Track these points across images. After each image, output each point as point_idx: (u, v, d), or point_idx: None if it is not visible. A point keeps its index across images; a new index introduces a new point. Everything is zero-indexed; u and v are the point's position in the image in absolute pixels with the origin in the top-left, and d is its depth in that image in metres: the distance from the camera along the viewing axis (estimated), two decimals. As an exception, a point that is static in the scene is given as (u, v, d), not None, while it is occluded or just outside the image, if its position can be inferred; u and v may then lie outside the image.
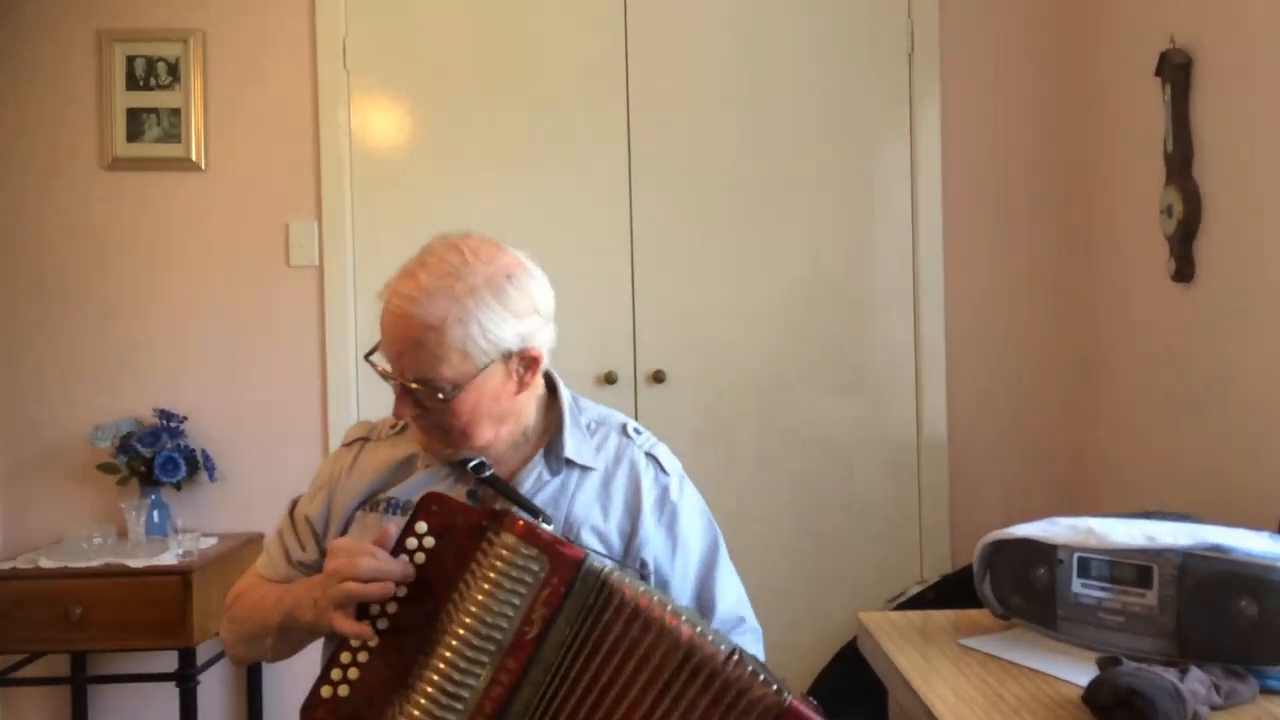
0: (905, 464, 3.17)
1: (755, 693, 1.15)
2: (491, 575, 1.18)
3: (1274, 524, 1.63)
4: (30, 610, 2.65)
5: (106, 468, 2.96)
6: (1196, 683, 1.18)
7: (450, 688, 1.16)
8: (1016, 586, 1.50)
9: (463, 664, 1.16)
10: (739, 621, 1.47)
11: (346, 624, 1.21)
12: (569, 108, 3.13)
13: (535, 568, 1.18)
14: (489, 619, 1.17)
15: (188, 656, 2.70)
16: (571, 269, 3.17)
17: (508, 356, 1.33)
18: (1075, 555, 1.42)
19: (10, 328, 3.09)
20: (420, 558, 1.24)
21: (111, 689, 3.09)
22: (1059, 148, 3.10)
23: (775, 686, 1.16)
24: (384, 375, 1.34)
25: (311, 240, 3.10)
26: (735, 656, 1.18)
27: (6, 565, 2.74)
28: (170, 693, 2.78)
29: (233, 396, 3.11)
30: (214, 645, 2.90)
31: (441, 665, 1.17)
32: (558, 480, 1.42)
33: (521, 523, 1.21)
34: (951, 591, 2.63)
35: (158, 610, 2.65)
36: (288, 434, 3.09)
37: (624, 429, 1.49)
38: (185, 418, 3.02)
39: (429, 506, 1.25)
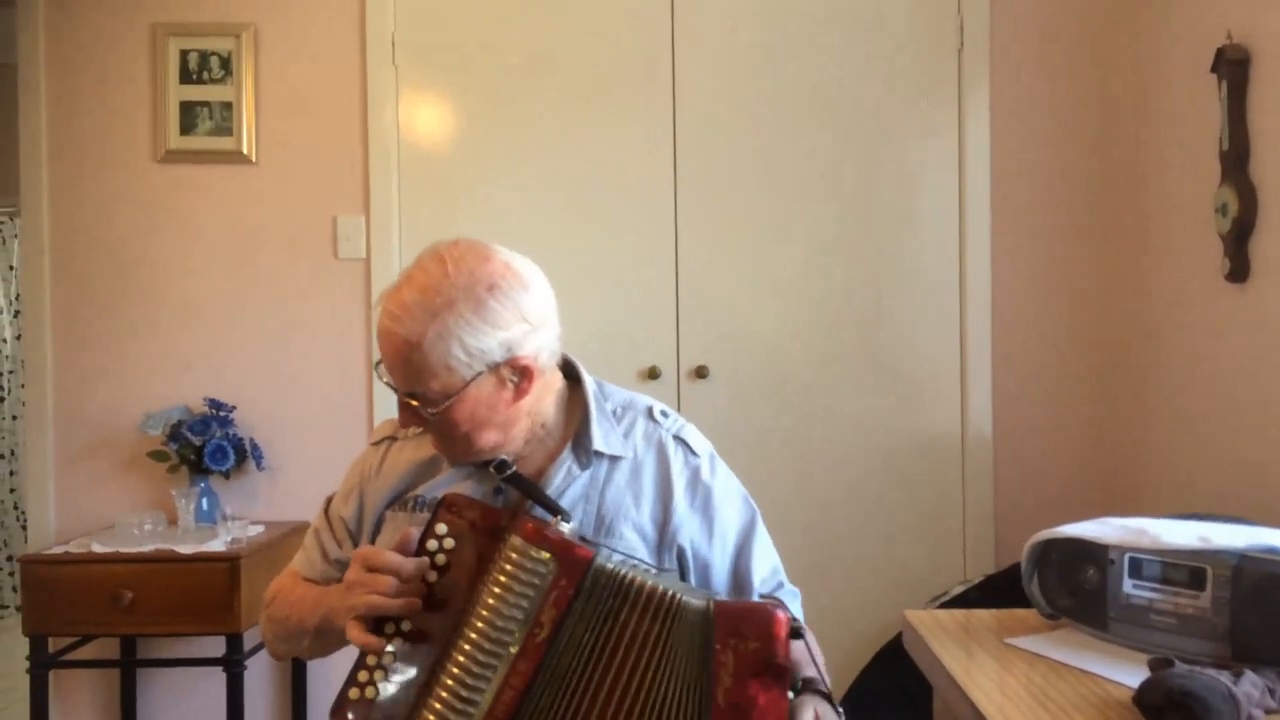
0: (949, 462, 3.15)
1: (684, 611, 1.17)
2: (501, 579, 1.19)
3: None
4: (82, 594, 2.70)
5: (157, 455, 3.01)
6: (1251, 686, 1.16)
7: (464, 693, 1.17)
8: (1066, 586, 1.48)
9: (475, 669, 1.17)
10: (777, 586, 1.47)
11: (360, 635, 1.23)
12: (615, 104, 3.14)
13: (544, 570, 1.19)
14: (499, 623, 1.18)
15: (235, 642, 2.74)
16: (616, 264, 3.19)
17: (495, 367, 1.32)
18: (1127, 555, 1.41)
19: (66, 317, 3.15)
20: (441, 559, 1.25)
21: (160, 673, 3.14)
22: (1110, 144, 3.06)
23: (695, 600, 1.17)
24: (390, 387, 1.35)
25: (359, 234, 3.13)
26: (659, 585, 1.19)
27: (59, 550, 2.80)
28: (218, 677, 2.82)
29: (280, 387, 3.15)
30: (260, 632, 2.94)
31: (455, 670, 1.18)
32: (588, 473, 1.42)
33: (531, 525, 1.21)
34: (995, 591, 2.61)
35: (206, 596, 2.69)
36: (334, 425, 3.13)
37: (650, 413, 1.48)
38: (234, 407, 3.06)
39: (448, 508, 1.26)
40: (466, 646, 1.18)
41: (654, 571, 1.27)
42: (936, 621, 1.61)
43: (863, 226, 3.14)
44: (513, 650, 1.17)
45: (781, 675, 1.13)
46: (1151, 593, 1.38)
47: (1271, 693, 1.18)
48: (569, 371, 1.48)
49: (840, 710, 1.21)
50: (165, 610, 2.70)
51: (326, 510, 1.53)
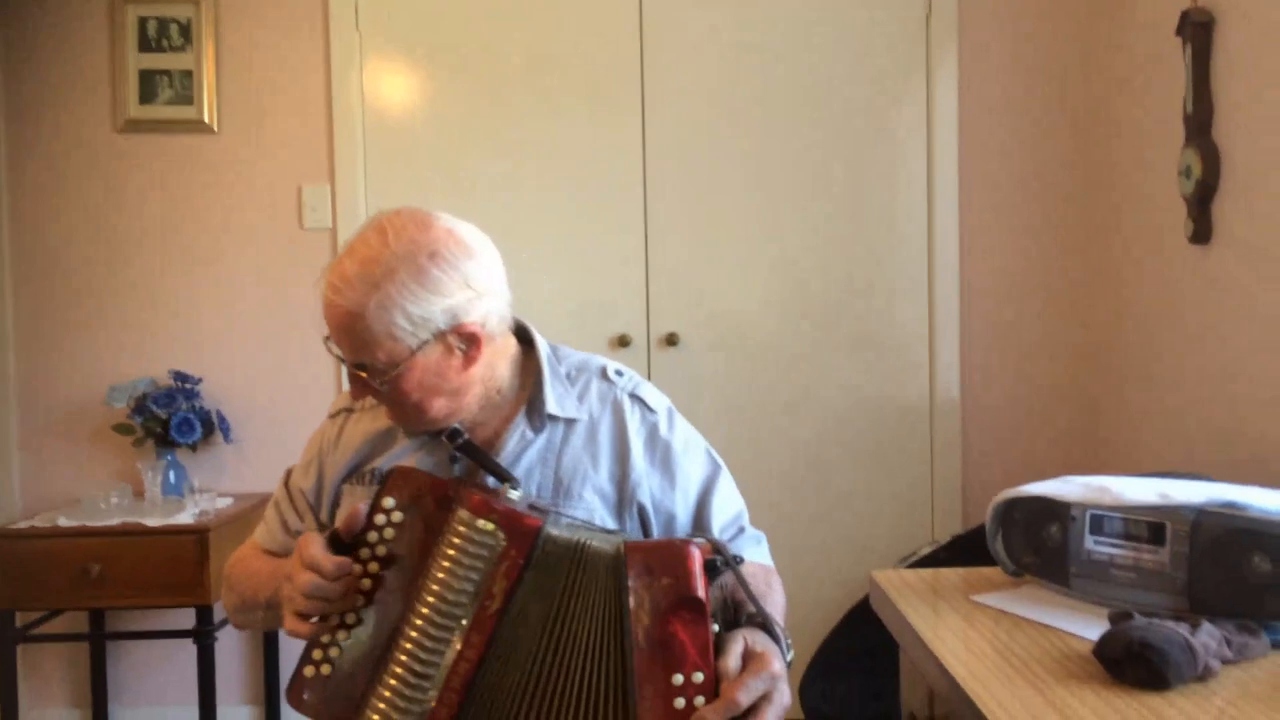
0: (918, 426, 3.17)
1: (592, 554, 1.17)
2: (450, 552, 1.18)
3: (1288, 483, 1.62)
4: (49, 568, 2.69)
5: (122, 429, 2.98)
6: (1208, 636, 1.18)
7: (419, 667, 1.17)
8: (1029, 544, 1.50)
9: (429, 643, 1.17)
10: (738, 531, 1.47)
11: (298, 626, 1.22)
12: (582, 70, 3.12)
13: (492, 541, 1.18)
14: (450, 596, 1.17)
15: (205, 614, 2.73)
16: (585, 233, 3.18)
17: (440, 335, 1.31)
18: (1089, 512, 1.42)
19: (27, 290, 3.11)
20: (390, 533, 1.23)
21: (130, 645, 3.13)
22: (1077, 109, 3.08)
23: (606, 540, 1.17)
24: (339, 358, 1.34)
25: (324, 203, 3.10)
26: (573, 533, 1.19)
27: (25, 524, 2.77)
28: (188, 649, 2.81)
29: (247, 359, 3.12)
30: (231, 604, 2.93)
31: (409, 645, 1.17)
32: (543, 437, 1.41)
33: (477, 497, 1.20)
34: (963, 551, 2.63)
35: (175, 569, 2.68)
36: (302, 396, 3.11)
37: (604, 372, 1.47)
38: (200, 379, 3.04)
39: (396, 481, 1.25)
40: (419, 621, 1.18)
41: (602, 531, 1.27)
42: (903, 580, 1.63)
43: (831, 194, 3.14)
44: (465, 623, 1.17)
45: (699, 609, 1.12)
46: (1112, 548, 1.39)
47: (1228, 643, 1.20)
48: (523, 336, 1.47)
49: (782, 634, 1.20)
50: (134, 583, 2.69)
51: (287, 482, 1.52)
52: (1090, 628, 1.29)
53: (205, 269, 3.12)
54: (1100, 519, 1.41)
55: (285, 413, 3.11)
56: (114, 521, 2.72)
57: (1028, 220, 3.11)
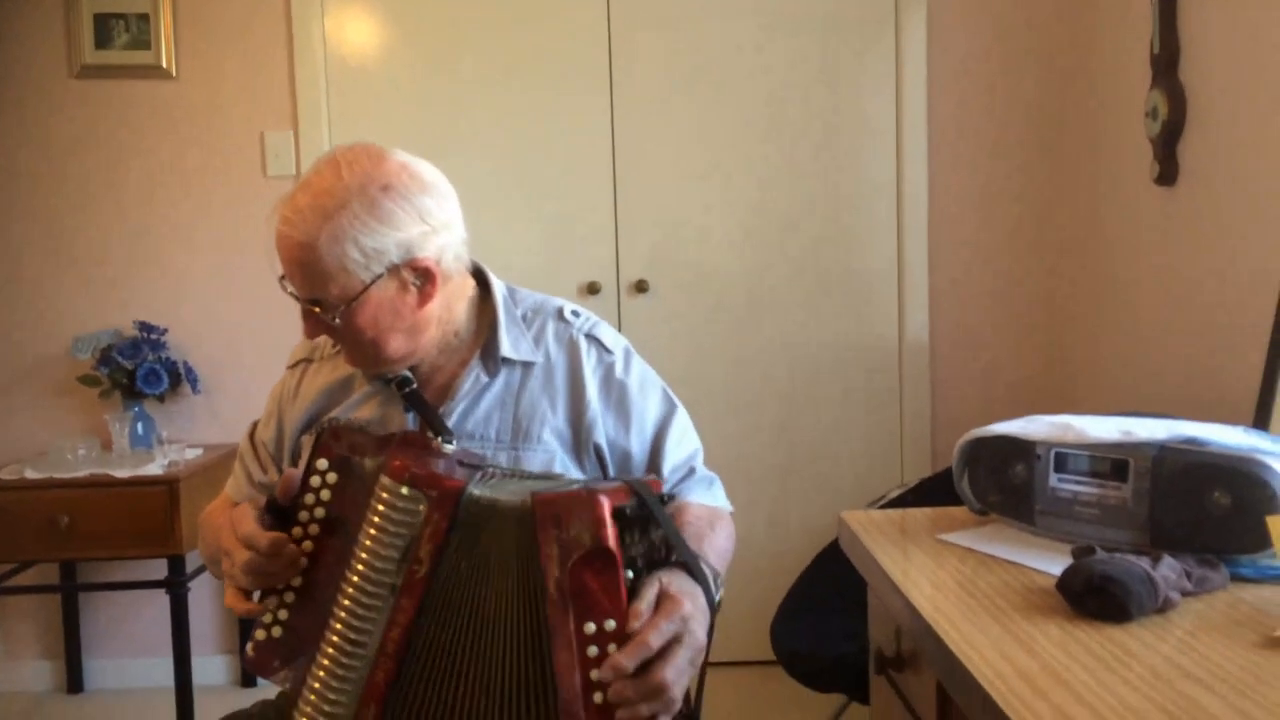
0: (887, 370, 3.19)
1: (501, 509, 1.16)
2: (376, 520, 1.17)
3: (1249, 420, 1.65)
4: (18, 521, 2.67)
5: (88, 380, 2.95)
6: (1169, 569, 1.20)
7: (353, 634, 1.17)
8: (994, 483, 1.52)
9: (360, 610, 1.17)
10: (689, 473, 1.46)
11: (236, 602, 1.23)
12: (549, 13, 3.08)
13: (415, 506, 1.17)
14: (379, 564, 1.17)
15: (177, 564, 2.73)
16: (552, 179, 3.15)
17: (394, 269, 1.30)
18: (1053, 451, 1.44)
19: (-15, 240, 3.06)
20: (326, 494, 1.23)
21: (102, 597, 3.13)
22: (1045, 50, 3.07)
23: (515, 493, 1.16)
24: (293, 297, 1.33)
25: (288, 150, 3.06)
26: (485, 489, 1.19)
27: (-9, 477, 2.75)
28: (161, 600, 2.81)
29: (213, 308, 3.09)
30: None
31: (343, 613, 1.17)
32: (500, 380, 1.40)
33: (398, 462, 1.18)
34: (931, 494, 2.66)
35: (145, 520, 2.67)
36: (270, 346, 3.08)
37: (560, 313, 1.46)
38: (166, 330, 3.01)
39: (326, 441, 1.24)
40: (350, 590, 1.17)
41: (533, 478, 1.26)
42: (871, 521, 1.64)
43: (801, 138, 3.13)
44: (395, 588, 1.16)
45: (608, 558, 1.10)
46: (1076, 485, 1.41)
47: (1188, 576, 1.22)
48: (481, 279, 1.46)
49: (710, 574, 1.20)
50: (103, 535, 2.68)
51: (252, 435, 1.52)
52: (1054, 563, 1.31)
53: (168, 218, 3.08)
54: (1064, 457, 1.43)
55: (254, 363, 3.08)
56: (82, 473, 2.71)
57: (996, 164, 3.11)
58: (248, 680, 3.12)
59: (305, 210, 1.27)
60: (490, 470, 1.26)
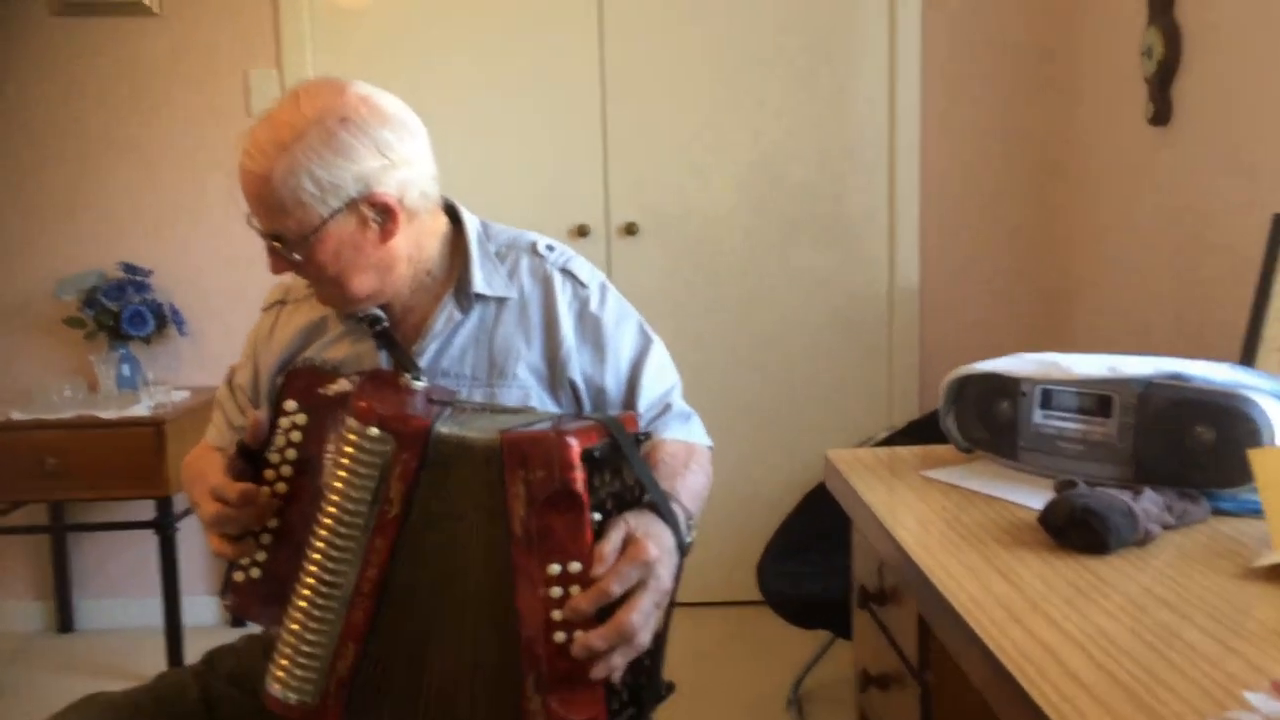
0: (877, 314, 3.18)
1: (473, 448, 1.14)
2: (345, 461, 1.16)
3: (1236, 357, 1.64)
4: (5, 462, 2.67)
5: (73, 322, 2.94)
6: (1149, 503, 1.21)
7: (328, 576, 1.16)
8: (980, 419, 1.51)
9: (335, 552, 1.16)
10: (665, 409, 1.45)
11: (219, 546, 1.23)
12: (537, -52, 3.02)
13: (382, 447, 1.15)
14: (350, 505, 1.16)
15: (165, 505, 2.73)
16: (542, 121, 3.12)
17: (352, 204, 1.27)
18: (1039, 387, 1.43)
19: (-34, 179, 3.02)
20: (297, 435, 1.22)
21: (92, 538, 3.13)
22: (1040, -10, 3.03)
23: (486, 432, 1.14)
24: (258, 232, 1.31)
25: (272, 89, 3.02)
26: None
27: (-22, 418, 2.75)
28: (150, 541, 2.82)
29: (198, 250, 3.07)
30: (191, 496, 2.93)
31: (317, 555, 1.17)
32: (474, 317, 1.39)
33: (364, 403, 1.17)
34: (918, 435, 2.66)
35: (133, 461, 2.67)
36: (256, 288, 3.04)
37: (534, 248, 1.44)
38: (151, 271, 2.98)
39: (294, 382, 1.23)
40: (322, 532, 1.16)
41: (505, 413, 1.25)
42: (857, 459, 1.64)
43: (793, 82, 3.09)
44: (367, 530, 1.16)
45: (575, 500, 1.09)
46: (1060, 421, 1.41)
47: (1169, 509, 1.23)
48: (453, 215, 1.44)
49: (681, 516, 1.20)
50: (91, 476, 2.68)
51: (230, 380, 1.52)
52: (1037, 498, 1.31)
53: (151, 158, 3.04)
54: (1050, 393, 1.42)
55: (240, 305, 3.06)
56: (68, 414, 2.70)
57: (990, 105, 3.08)
58: (238, 620, 3.13)
59: (263, 143, 1.25)
60: (460, 405, 1.25)
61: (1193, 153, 2.32)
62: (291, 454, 1.23)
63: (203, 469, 1.24)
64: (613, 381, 1.42)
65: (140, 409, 2.72)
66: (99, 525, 2.99)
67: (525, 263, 1.43)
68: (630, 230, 3.11)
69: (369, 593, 1.16)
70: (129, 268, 2.95)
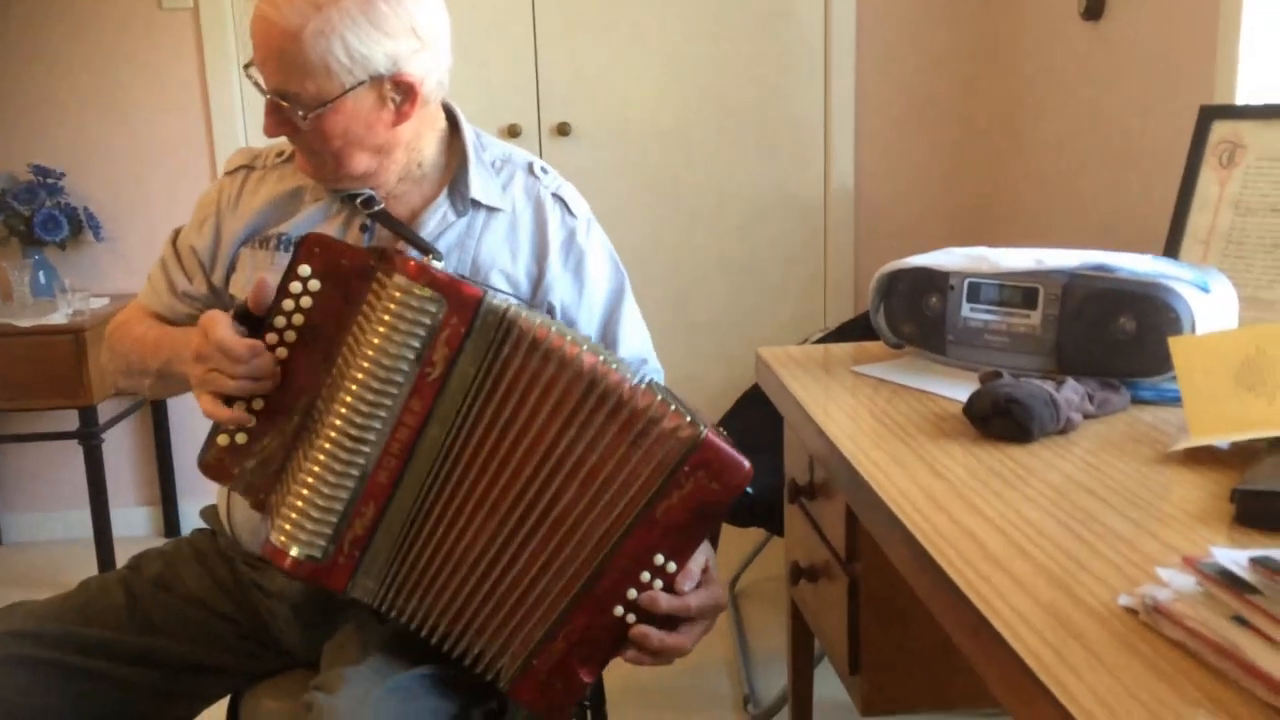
0: (812, 217, 3.18)
1: (667, 423, 1.13)
2: (386, 319, 1.13)
3: (1161, 250, 1.66)
4: (-83, 373, 2.59)
5: (-17, 227, 2.83)
6: (1071, 392, 1.22)
7: (354, 432, 1.13)
8: (909, 315, 1.52)
9: (364, 409, 1.13)
10: (642, 363, 1.46)
11: (213, 408, 1.18)
12: None
13: (432, 308, 1.13)
14: (387, 362, 1.13)
15: (89, 415, 2.67)
16: (471, 19, 3.02)
17: (377, 79, 1.24)
18: (966, 281, 1.44)
19: None
20: (307, 301, 1.19)
21: (16, 450, 3.07)
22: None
23: (690, 418, 1.14)
24: (258, 88, 1.26)
25: (185, -20, 2.88)
26: (644, 386, 1.15)
27: (-114, 328, 2.65)
28: (77, 452, 2.76)
29: (112, 151, 2.95)
30: (116, 404, 2.87)
31: (343, 410, 1.13)
32: (463, 222, 1.36)
33: (414, 263, 1.14)
34: (851, 336, 2.68)
35: (52, 370, 2.60)
36: (175, 191, 2.97)
37: (530, 168, 1.42)
38: (64, 174, 2.87)
39: (311, 248, 1.19)
40: (353, 387, 1.13)
41: (539, 316, 1.23)
42: (789, 356, 1.65)
43: (726, -29, 3.03)
44: (404, 389, 1.13)
45: (717, 520, 1.16)
46: (987, 315, 1.42)
47: (1090, 398, 1.24)
48: (450, 117, 1.41)
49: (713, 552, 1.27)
50: (9, 386, 2.61)
51: (175, 241, 1.44)
52: (963, 391, 1.32)
53: (57, 55, 2.90)
54: (977, 286, 1.43)
55: (159, 209, 2.97)
56: (-18, 323, 2.61)
57: (923, 6, 3.04)
58: (170, 530, 3.10)
59: None
60: (493, 291, 1.21)
61: (1123, 47, 2.31)
62: (299, 319, 1.19)
63: (204, 323, 1.18)
64: (585, 318, 1.42)
65: (58, 317, 2.64)
66: (20, 436, 2.93)
67: (520, 179, 1.41)
68: (562, 131, 3.05)
69: (397, 453, 1.14)
70: (39, 169, 2.84)
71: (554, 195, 1.42)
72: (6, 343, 2.59)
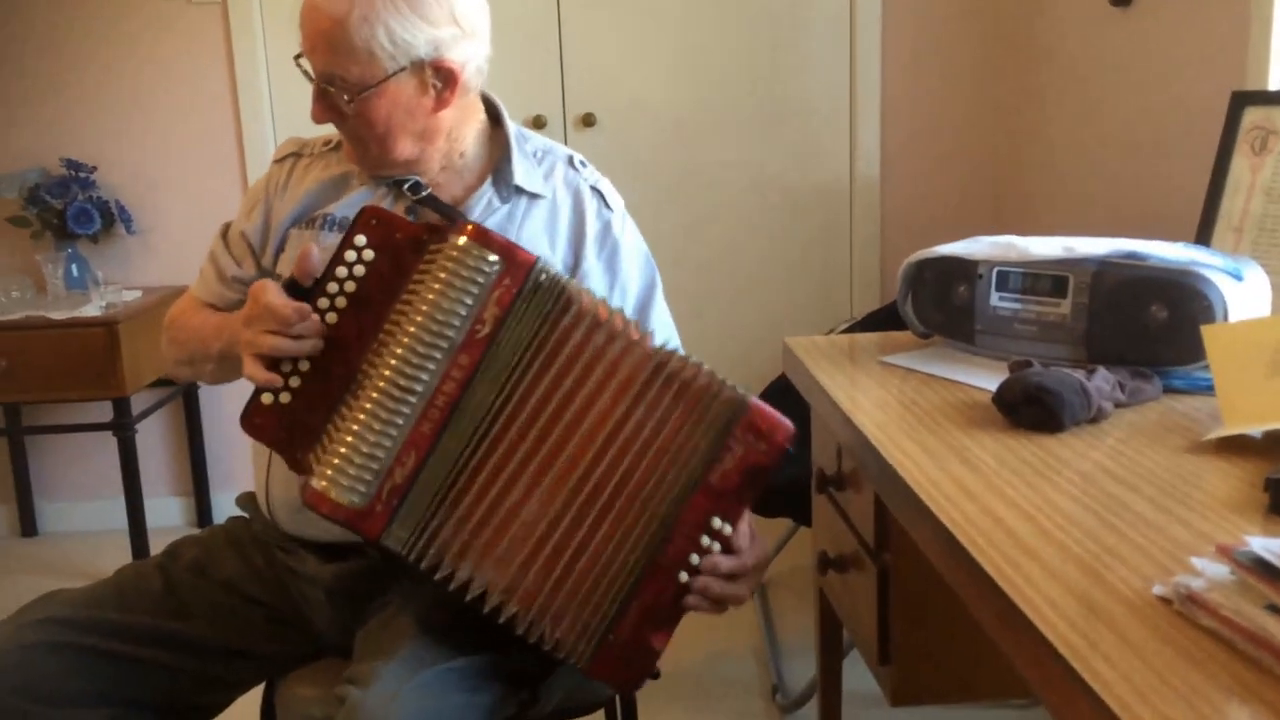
0: (837, 206, 3.17)
1: (721, 393, 1.18)
2: (442, 275, 1.17)
3: (1193, 237, 1.65)
4: (-46, 364, 2.62)
5: (18, 221, 2.86)
6: (1102, 381, 1.22)
7: (403, 381, 1.16)
8: (937, 304, 1.51)
9: (415, 360, 1.16)
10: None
11: (257, 371, 1.19)
12: None
13: (487, 268, 1.17)
14: (440, 316, 1.16)
15: (122, 406, 2.70)
16: (497, 10, 3.01)
17: (419, 66, 1.28)
18: (995, 269, 1.43)
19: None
20: (360, 270, 1.22)
21: (51, 440, 3.11)
22: None
23: (733, 385, 1.19)
24: (307, 76, 1.31)
25: (212, -26, 2.91)
26: (693, 361, 1.20)
27: (-77, 320, 2.69)
28: (111, 443, 2.79)
29: (143, 145, 2.98)
30: (150, 395, 2.90)
31: (393, 361, 1.16)
32: (505, 208, 1.39)
33: (473, 225, 1.20)
34: (878, 326, 2.67)
35: (86, 361, 2.63)
36: (205, 184, 3.00)
37: (571, 160, 1.46)
38: (95, 167, 2.90)
39: (368, 220, 1.23)
40: (405, 339, 1.16)
41: (586, 289, 1.26)
42: (815, 346, 1.65)
43: (751, -40, 3.02)
44: (454, 343, 1.16)
45: (765, 481, 1.19)
46: (1016, 303, 1.41)
47: (1121, 387, 1.24)
48: (491, 112, 1.44)
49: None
50: (44, 377, 2.64)
51: (225, 234, 1.48)
52: (992, 380, 1.32)
53: (87, 50, 2.93)
54: (1006, 275, 1.42)
55: (191, 203, 3.00)
56: (17, 315, 2.65)
57: (952, -12, 3.03)
58: (203, 520, 3.14)
59: None
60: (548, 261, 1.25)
61: (1154, 34, 2.29)
62: (351, 286, 1.22)
63: (254, 290, 1.21)
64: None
65: (91, 309, 2.67)
66: (55, 428, 2.96)
67: (560, 170, 1.44)
68: (588, 122, 3.06)
69: (442, 406, 1.17)
70: (71, 163, 2.87)
71: (592, 188, 1.45)
72: (41, 335, 2.62)
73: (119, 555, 2.78)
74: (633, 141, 3.09)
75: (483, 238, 1.18)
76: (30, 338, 2.62)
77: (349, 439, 1.16)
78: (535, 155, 1.44)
